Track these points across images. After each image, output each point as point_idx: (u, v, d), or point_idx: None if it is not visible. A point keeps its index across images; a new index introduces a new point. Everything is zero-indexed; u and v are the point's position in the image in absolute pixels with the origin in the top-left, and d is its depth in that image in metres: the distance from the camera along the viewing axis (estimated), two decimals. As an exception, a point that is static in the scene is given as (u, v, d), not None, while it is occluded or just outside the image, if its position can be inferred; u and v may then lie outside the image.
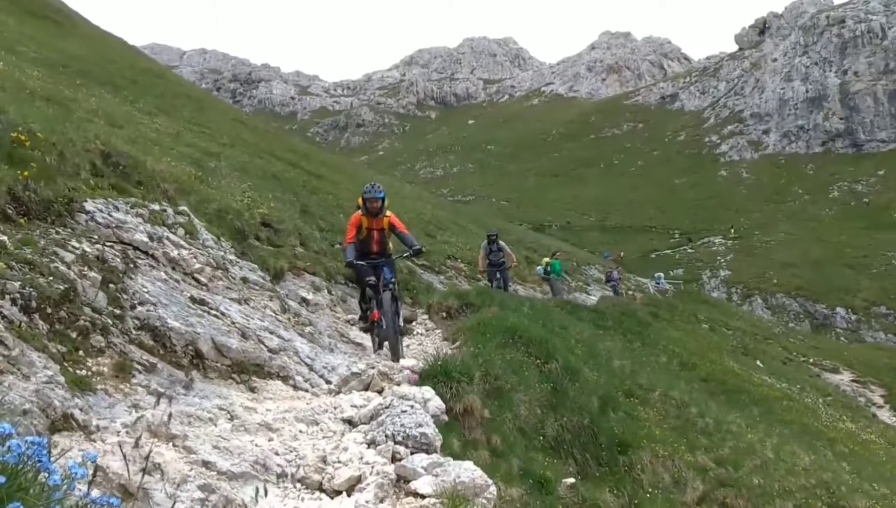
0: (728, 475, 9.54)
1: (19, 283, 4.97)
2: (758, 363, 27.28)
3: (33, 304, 4.93)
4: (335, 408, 5.62)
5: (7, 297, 4.80)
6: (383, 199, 9.17)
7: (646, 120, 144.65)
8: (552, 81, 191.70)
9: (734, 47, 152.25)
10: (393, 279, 9.09)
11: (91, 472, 1.38)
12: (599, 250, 72.58)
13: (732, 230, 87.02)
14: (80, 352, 4.94)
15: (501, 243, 18.88)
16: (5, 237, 5.55)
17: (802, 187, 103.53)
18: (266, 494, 3.77)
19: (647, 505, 7.45)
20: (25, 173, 6.70)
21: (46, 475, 1.27)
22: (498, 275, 18.49)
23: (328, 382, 6.91)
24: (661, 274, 52.81)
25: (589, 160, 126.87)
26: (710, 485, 9.13)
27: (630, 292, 36.81)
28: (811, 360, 33.57)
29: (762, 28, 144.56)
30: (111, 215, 6.95)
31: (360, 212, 9.19)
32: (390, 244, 9.42)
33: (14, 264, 5.25)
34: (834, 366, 32.66)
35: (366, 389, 6.38)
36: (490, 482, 4.30)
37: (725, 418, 12.87)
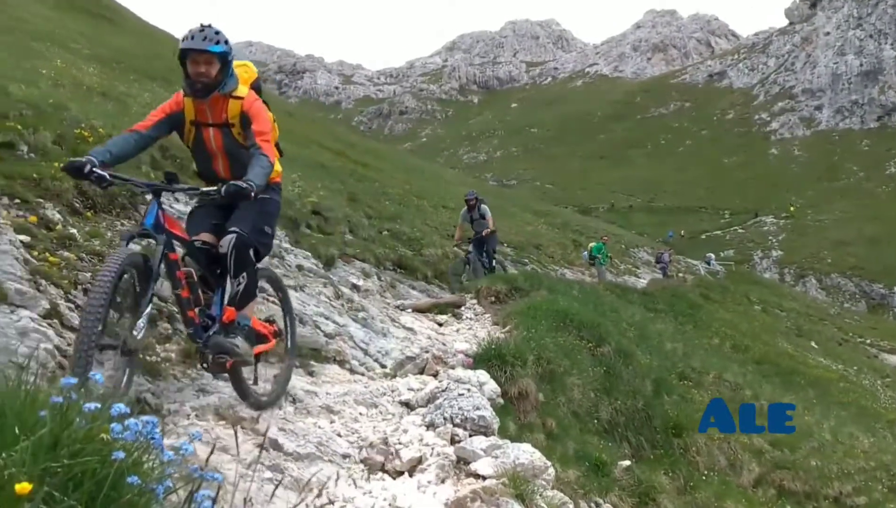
0: (784, 457, 9.42)
1: (90, 274, 5.17)
2: (812, 344, 26.76)
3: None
4: (392, 391, 5.73)
5: (79, 287, 5.01)
6: None
7: (693, 99, 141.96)
8: (596, 61, 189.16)
9: (784, 22, 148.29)
10: None
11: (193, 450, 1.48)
12: (647, 231, 71.80)
13: (792, 208, 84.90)
14: (149, 339, 5.12)
15: (483, 206, 14.55)
16: (75, 230, 5.77)
17: (857, 164, 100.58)
18: (333, 474, 3.88)
19: (703, 487, 7.41)
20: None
21: (160, 451, 1.38)
22: (471, 249, 14.31)
23: (382, 366, 7.02)
24: (712, 255, 52.06)
25: (635, 141, 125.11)
26: (766, 467, 9.03)
27: (680, 275, 36.34)
28: (868, 341, 32.79)
29: (813, 1, 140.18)
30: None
31: None
32: None
33: (84, 255, 5.47)
34: (892, 347, 31.84)
35: (421, 372, 6.47)
36: (548, 463, 4.35)
37: (781, 400, 12.68)
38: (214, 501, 1.39)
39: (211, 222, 4.34)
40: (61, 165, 3.85)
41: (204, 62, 4.16)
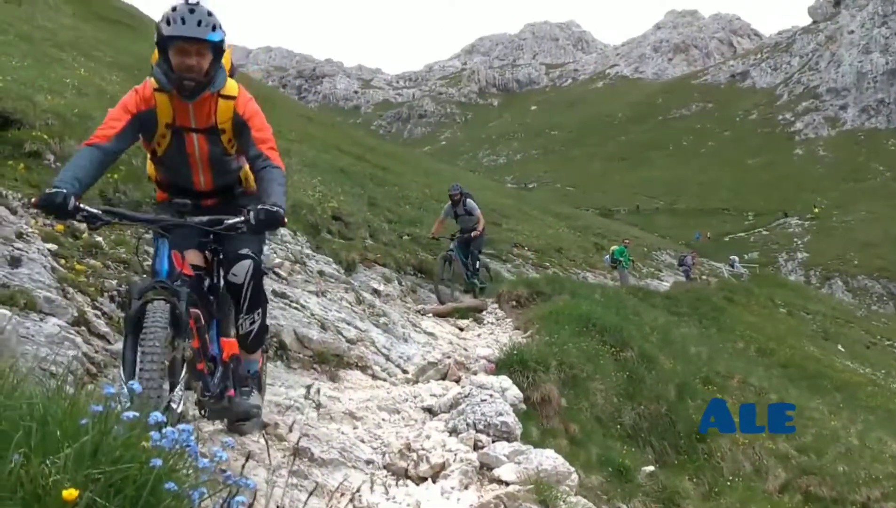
0: (811, 462, 9.31)
1: (116, 281, 5.26)
2: (839, 347, 26.43)
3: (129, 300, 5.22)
4: (415, 397, 5.76)
5: (106, 294, 5.10)
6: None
7: (715, 99, 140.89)
8: (616, 62, 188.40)
9: (807, 20, 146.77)
10: None
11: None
12: (670, 234, 71.36)
13: (816, 209, 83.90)
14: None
15: (470, 201, 12.99)
16: (101, 238, 5.87)
17: (883, 164, 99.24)
18: (358, 481, 3.92)
19: (728, 493, 7.36)
20: (115, 176, 7.05)
21: (195, 458, 1.43)
22: (452, 247, 12.56)
23: (404, 371, 7.06)
24: (736, 257, 51.58)
25: (657, 143, 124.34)
26: (792, 473, 8.94)
27: (703, 277, 36.07)
28: (896, 344, 32.29)
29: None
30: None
31: None
32: None
33: (110, 263, 5.57)
34: (922, 350, 31.33)
35: (443, 378, 6.49)
36: (572, 469, 4.36)
37: (807, 404, 12.54)
38: (249, 507, 1.43)
39: (196, 239, 3.48)
40: (33, 200, 3.03)
41: (196, 53, 3.26)
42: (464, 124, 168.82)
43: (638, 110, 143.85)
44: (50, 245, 5.14)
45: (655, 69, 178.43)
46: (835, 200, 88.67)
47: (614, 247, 26.19)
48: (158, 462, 1.35)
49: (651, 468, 6.55)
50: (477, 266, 13.06)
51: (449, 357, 7.15)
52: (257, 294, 3.57)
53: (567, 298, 11.56)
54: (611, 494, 5.38)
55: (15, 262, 4.53)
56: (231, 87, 3.51)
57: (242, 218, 3.19)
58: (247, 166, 3.73)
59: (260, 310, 3.61)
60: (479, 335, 10.24)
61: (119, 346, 4.53)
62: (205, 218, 3.32)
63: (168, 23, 3.24)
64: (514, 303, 12.35)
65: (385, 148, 46.08)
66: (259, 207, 3.16)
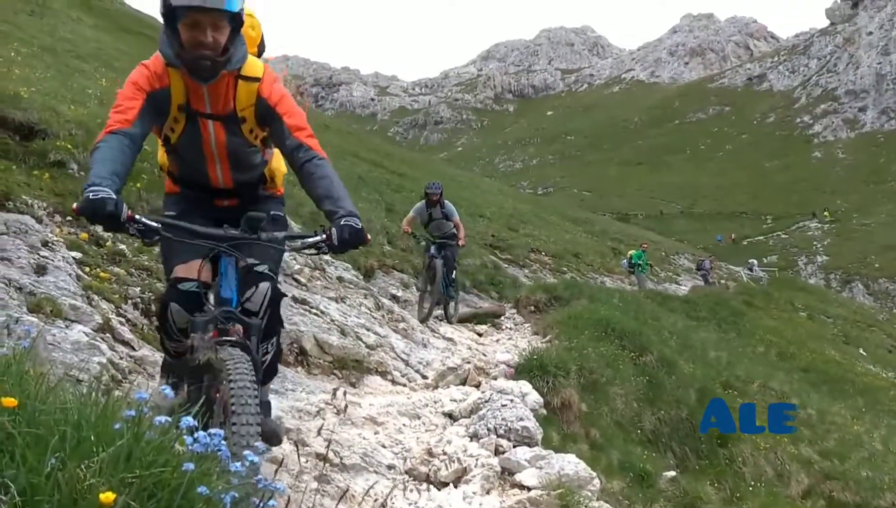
0: (834, 467, 9.22)
1: (139, 288, 5.33)
2: (861, 351, 26.15)
3: (153, 307, 5.27)
4: (435, 402, 5.76)
5: (130, 302, 5.16)
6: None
7: (732, 103, 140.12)
8: (632, 67, 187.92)
9: (825, 22, 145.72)
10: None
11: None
12: (687, 238, 70.98)
13: (826, 214, 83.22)
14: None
15: (449, 204, 11.37)
16: (124, 246, 5.95)
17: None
18: (380, 486, 3.93)
19: (750, 498, 7.29)
20: (138, 185, 7.14)
21: (227, 462, 1.45)
22: (434, 252, 10.72)
23: (424, 377, 7.07)
24: (755, 261, 51.23)
25: (674, 146, 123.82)
26: (815, 478, 8.85)
27: (722, 281, 35.83)
28: (920, 348, 31.84)
29: (855, 1, 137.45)
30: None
31: None
32: None
33: (133, 270, 5.63)
34: (945, 354, 30.86)
35: (463, 383, 6.49)
36: (593, 474, 4.35)
37: (829, 409, 12.42)
38: (279, 511, 1.46)
39: (205, 248, 2.82)
40: (74, 206, 2.45)
41: (211, 26, 2.69)
42: (480, 130, 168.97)
43: (654, 114, 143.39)
44: (75, 253, 5.21)
45: (672, 73, 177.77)
46: (854, 202, 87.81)
47: (632, 251, 26.11)
48: (191, 466, 1.37)
49: (672, 473, 6.50)
50: (454, 276, 11.31)
51: (468, 363, 7.15)
52: (275, 321, 2.99)
53: (585, 303, 11.55)
54: (632, 499, 5.34)
55: (41, 270, 4.60)
56: (254, 66, 2.94)
57: (323, 237, 2.67)
58: (274, 163, 3.29)
59: (275, 338, 3.07)
60: (497, 341, 10.25)
61: (144, 352, 4.59)
62: (279, 234, 2.83)
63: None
64: (532, 308, 12.35)
65: (402, 155, 46.24)
66: (342, 222, 2.65)
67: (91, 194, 2.40)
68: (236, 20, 2.76)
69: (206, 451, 1.43)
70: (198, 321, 2.66)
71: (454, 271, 11.34)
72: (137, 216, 2.50)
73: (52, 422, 1.42)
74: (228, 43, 2.76)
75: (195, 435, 1.42)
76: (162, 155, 3.21)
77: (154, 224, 2.55)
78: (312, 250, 2.77)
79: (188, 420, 1.46)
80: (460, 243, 11.23)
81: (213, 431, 1.46)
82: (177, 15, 2.69)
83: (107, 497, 1.24)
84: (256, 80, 2.91)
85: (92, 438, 1.40)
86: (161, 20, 2.81)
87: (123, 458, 1.36)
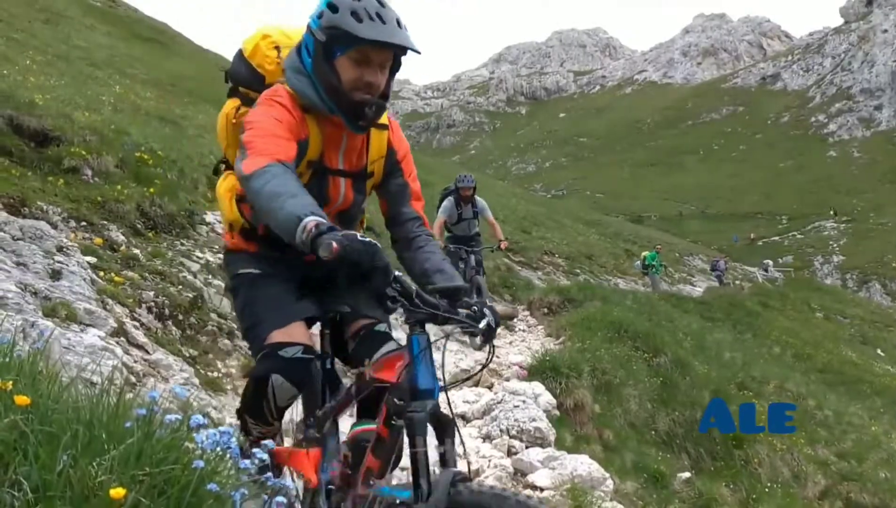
0: (851, 469, 9.16)
1: (153, 292, 5.37)
2: (878, 351, 25.91)
3: (166, 311, 5.32)
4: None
5: (143, 306, 5.20)
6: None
7: (746, 103, 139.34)
8: (645, 68, 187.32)
9: (839, 21, 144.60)
10: None
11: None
12: (701, 239, 70.63)
13: (832, 212, 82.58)
14: (210, 355, 5.27)
15: (480, 200, 9.90)
16: (138, 251, 6.00)
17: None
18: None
19: (766, 500, 7.23)
20: (151, 190, 7.21)
21: (236, 459, 1.47)
22: (473, 263, 9.44)
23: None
24: (770, 262, 50.89)
25: (687, 147, 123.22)
26: (832, 479, 8.79)
27: (737, 282, 35.62)
28: (939, 348, 31.48)
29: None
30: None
31: None
32: None
33: (147, 275, 5.67)
34: (965, 354, 30.51)
35: (475, 385, 6.50)
36: (606, 475, 4.34)
37: (846, 410, 12.32)
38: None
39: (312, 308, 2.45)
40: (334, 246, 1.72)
41: (380, 66, 2.25)
42: (492, 133, 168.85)
43: (667, 115, 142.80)
44: (89, 258, 5.26)
45: (684, 74, 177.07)
46: (871, 201, 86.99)
47: (646, 253, 26.00)
48: (201, 463, 1.39)
49: (687, 474, 6.48)
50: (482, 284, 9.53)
51: (481, 364, 7.15)
52: None
53: (598, 304, 11.52)
54: (646, 500, 5.32)
55: (56, 275, 4.64)
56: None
57: (483, 324, 2.04)
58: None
59: None
60: (510, 343, 10.23)
61: (157, 356, 4.63)
62: (465, 313, 2.07)
63: (357, 17, 2.12)
64: (545, 310, 12.33)
65: (414, 158, 46.11)
66: (493, 311, 2.11)
67: (348, 237, 1.75)
68: (399, 61, 2.32)
69: (216, 449, 1.45)
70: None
71: (483, 279, 9.69)
72: (398, 274, 1.86)
73: (65, 421, 1.44)
74: (387, 88, 2.31)
75: (205, 433, 1.44)
76: (234, 211, 2.50)
77: (413, 293, 1.90)
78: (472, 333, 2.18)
79: (198, 418, 1.48)
80: (502, 245, 10.10)
81: (222, 429, 1.48)
82: (350, 48, 2.18)
83: (117, 492, 1.26)
84: (385, 127, 2.47)
85: (103, 436, 1.42)
86: (304, 53, 2.28)
87: (134, 456, 1.38)
